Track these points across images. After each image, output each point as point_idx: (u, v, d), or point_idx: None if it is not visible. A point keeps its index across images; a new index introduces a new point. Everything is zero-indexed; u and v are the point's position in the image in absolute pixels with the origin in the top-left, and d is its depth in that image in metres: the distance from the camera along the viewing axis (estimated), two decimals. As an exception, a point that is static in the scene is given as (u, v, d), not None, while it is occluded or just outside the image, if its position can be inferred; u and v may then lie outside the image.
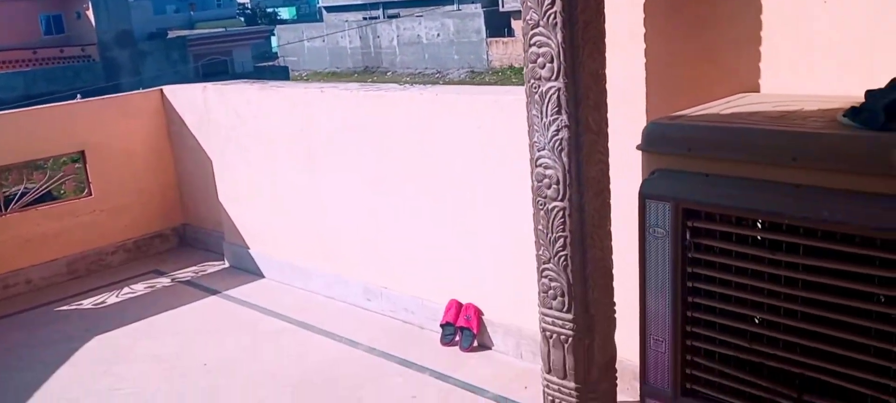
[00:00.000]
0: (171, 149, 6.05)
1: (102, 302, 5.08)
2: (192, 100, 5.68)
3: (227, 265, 5.58)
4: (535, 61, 2.53)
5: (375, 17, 43.80)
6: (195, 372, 3.90)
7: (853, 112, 1.93)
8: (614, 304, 2.99)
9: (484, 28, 37.01)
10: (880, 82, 1.92)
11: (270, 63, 44.43)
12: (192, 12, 53.29)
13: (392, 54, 40.69)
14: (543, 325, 3.01)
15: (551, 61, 2.47)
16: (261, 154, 5.03)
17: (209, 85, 5.51)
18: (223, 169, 5.41)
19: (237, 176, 5.30)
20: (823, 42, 2.29)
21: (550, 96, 2.69)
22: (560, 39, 2.40)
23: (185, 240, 6.18)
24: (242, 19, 58.49)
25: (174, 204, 6.13)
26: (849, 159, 1.85)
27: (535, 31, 2.44)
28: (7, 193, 5.43)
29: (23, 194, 5.47)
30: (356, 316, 4.42)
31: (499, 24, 36.30)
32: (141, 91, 6.23)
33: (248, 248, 5.37)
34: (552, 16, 2.37)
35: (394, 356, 3.86)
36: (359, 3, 45.18)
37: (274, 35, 49.03)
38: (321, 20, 48.61)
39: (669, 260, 2.20)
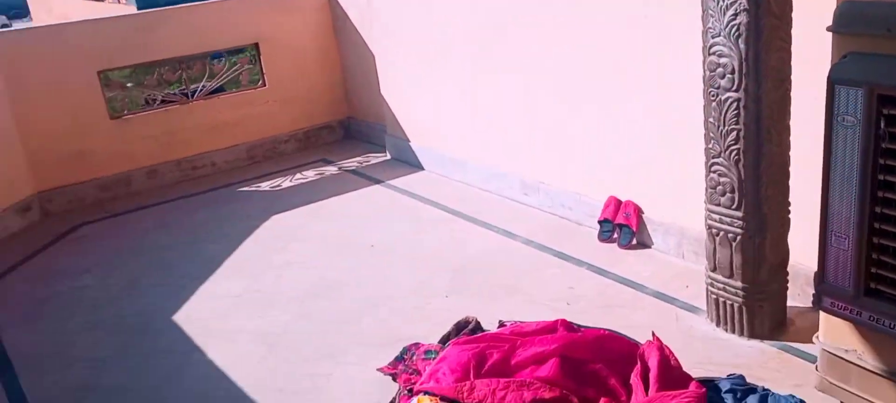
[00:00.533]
0: (337, 44, 6.28)
1: (278, 186, 5.49)
2: (356, -4, 5.84)
3: (388, 157, 5.82)
4: (717, -62, 2.37)
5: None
6: (363, 252, 4.16)
7: None
8: (789, 204, 2.85)
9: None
10: None
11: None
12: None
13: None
14: (709, 222, 2.93)
15: (735, -63, 2.31)
16: (420, 49, 5.12)
17: (373, -21, 5.62)
18: (385, 64, 5.57)
19: (398, 70, 5.44)
20: None
21: (731, -23, 2.53)
22: (747, -88, 2.23)
23: (350, 133, 6.49)
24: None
25: (340, 97, 6.41)
26: None
27: None
28: (190, 88, 5.91)
29: (203, 87, 5.92)
30: (513, 210, 4.50)
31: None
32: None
33: (409, 141, 5.55)
34: None
35: (551, 248, 3.92)
36: None
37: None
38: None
39: (859, 150, 2.06)
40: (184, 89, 5.88)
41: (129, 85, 7.07)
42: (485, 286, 3.60)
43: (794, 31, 2.64)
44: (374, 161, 5.81)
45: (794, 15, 2.62)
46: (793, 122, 2.76)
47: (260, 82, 6.14)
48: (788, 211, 2.87)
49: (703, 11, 2.72)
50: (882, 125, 2.01)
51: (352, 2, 5.97)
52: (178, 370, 3.16)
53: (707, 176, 2.90)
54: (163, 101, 5.84)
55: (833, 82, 2.07)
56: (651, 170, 3.71)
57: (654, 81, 3.54)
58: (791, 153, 2.80)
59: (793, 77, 2.70)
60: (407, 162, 5.59)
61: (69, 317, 3.75)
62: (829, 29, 2.10)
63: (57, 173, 5.37)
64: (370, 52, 5.78)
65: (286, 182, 5.54)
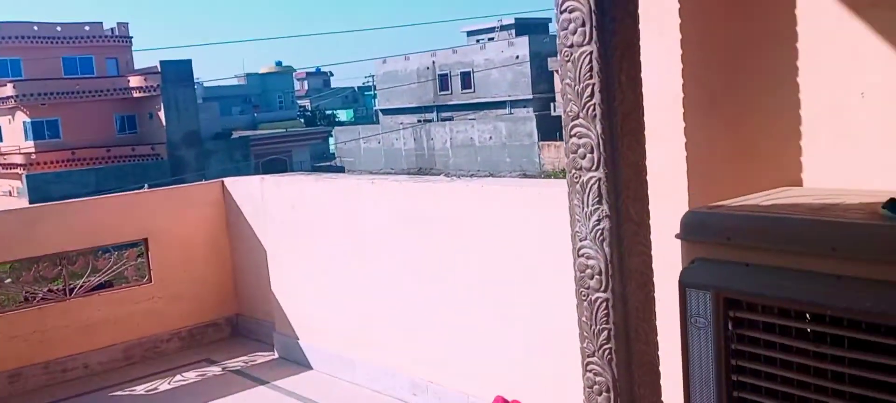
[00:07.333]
0: (229, 239, 6.25)
1: (155, 389, 5.19)
2: (250, 192, 5.91)
3: (276, 356, 5.66)
4: (575, 151, 2.60)
5: (429, 120, 44.95)
6: (239, 460, 3.92)
7: (893, 203, 1.93)
8: (661, 401, 2.93)
9: (536, 131, 37.60)
10: (921, 173, 1.92)
11: (328, 163, 45.77)
12: (255, 114, 55.80)
13: (445, 156, 41.49)
14: (588, 420, 2.96)
15: (591, 151, 2.53)
16: (313, 244, 5.16)
17: (267, 177, 5.75)
18: (277, 259, 5.56)
19: (290, 266, 5.44)
20: (862, 135, 2.30)
21: (591, 186, 2.74)
22: (599, 131, 2.47)
23: (238, 330, 6.30)
24: (302, 121, 60.85)
25: (229, 293, 6.29)
26: (887, 249, 1.83)
27: (576, 122, 2.52)
28: (71, 285, 5.67)
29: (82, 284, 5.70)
30: (401, 410, 4.41)
31: (551, 128, 36.77)
32: (203, 182, 6.52)
33: (298, 339, 5.44)
34: (592, 108, 2.45)
35: (437, 450, 3.82)
36: (414, 106, 46.55)
37: (332, 136, 50.67)
38: (377, 122, 50.16)
39: (712, 351, 2.18)
40: (64, 286, 5.62)
41: (7, 280, 6.70)
42: None
43: (653, 237, 2.85)
44: (260, 360, 5.63)
45: (651, 222, 2.83)
46: (660, 323, 2.90)
47: (146, 278, 5.97)
48: (662, 409, 2.93)
49: (571, 216, 2.90)
50: (730, 327, 2.15)
51: (247, 197, 6.03)
52: None
53: (584, 375, 2.96)
54: (42, 299, 5.55)
55: (684, 286, 2.23)
56: (535, 368, 3.76)
57: (535, 281, 3.68)
58: (660, 352, 2.91)
59: (657, 280, 2.87)
60: (295, 361, 5.44)
61: None
62: (677, 236, 2.28)
63: None
64: (262, 247, 5.77)
65: (164, 385, 5.25)
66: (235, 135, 44.89)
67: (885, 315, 1.84)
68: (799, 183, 2.53)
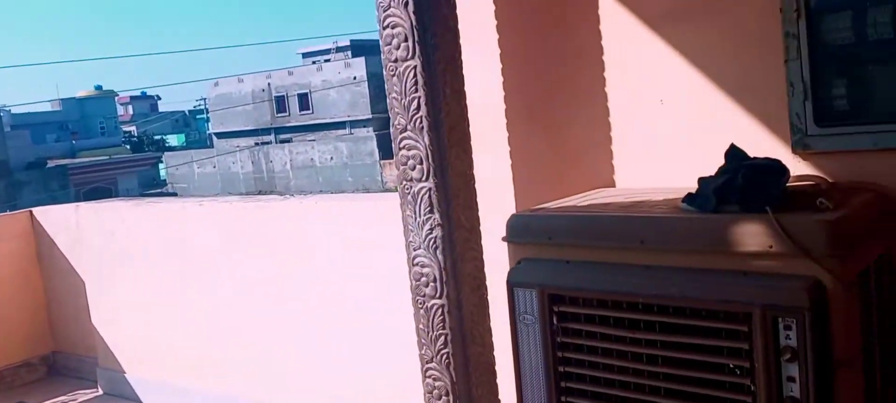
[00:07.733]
0: (41, 272, 5.76)
1: (-45, 443, 4.66)
2: (64, 221, 5.49)
3: (100, 393, 5.27)
4: (405, 163, 2.64)
5: (267, 143, 43.91)
6: None
7: (690, 198, 2.12)
8: (499, 401, 3.03)
9: (377, 150, 37.80)
10: (711, 170, 2.13)
11: (159, 190, 43.47)
12: (73, 142, 51.92)
13: (286, 178, 40.67)
14: (429, 427, 3.00)
15: (421, 163, 2.58)
16: (137, 272, 4.87)
17: (82, 204, 5.38)
18: (97, 290, 5.19)
19: (112, 297, 5.10)
20: (664, 138, 2.53)
21: (422, 196, 2.79)
22: (427, 142, 2.53)
23: (55, 369, 5.81)
24: (129, 147, 57.36)
25: (43, 330, 5.79)
26: (687, 240, 2.02)
27: (404, 134, 2.57)
28: None
29: None
30: (240, 438, 4.24)
31: (391, 146, 37.06)
32: (7, 213, 5.98)
33: (125, 373, 5.09)
34: (419, 120, 2.50)
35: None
36: (250, 128, 45.27)
37: (162, 162, 48.15)
38: (212, 146, 48.25)
39: (540, 346, 2.29)
40: None
41: None
42: None
43: (484, 242, 2.95)
44: (82, 399, 5.23)
45: (481, 228, 2.93)
46: (495, 325, 3.00)
47: (-59, 321, 5.36)
48: (498, 409, 3.03)
49: (405, 226, 2.94)
50: (555, 321, 2.27)
51: (60, 227, 5.58)
52: None
53: (423, 381, 2.99)
54: None
55: (511, 286, 2.33)
56: (383, 380, 3.75)
57: (374, 293, 3.69)
58: (496, 353, 3.01)
59: (491, 282, 2.97)
60: (123, 395, 5.10)
61: None
62: (504, 239, 2.38)
63: None
64: (80, 279, 5.36)
65: (-33, 436, 4.74)
66: (51, 163, 41.53)
67: (688, 298, 2.02)
68: (612, 184, 2.72)
